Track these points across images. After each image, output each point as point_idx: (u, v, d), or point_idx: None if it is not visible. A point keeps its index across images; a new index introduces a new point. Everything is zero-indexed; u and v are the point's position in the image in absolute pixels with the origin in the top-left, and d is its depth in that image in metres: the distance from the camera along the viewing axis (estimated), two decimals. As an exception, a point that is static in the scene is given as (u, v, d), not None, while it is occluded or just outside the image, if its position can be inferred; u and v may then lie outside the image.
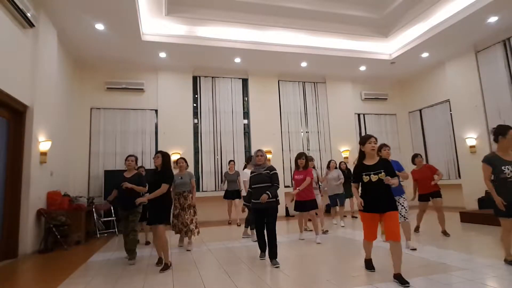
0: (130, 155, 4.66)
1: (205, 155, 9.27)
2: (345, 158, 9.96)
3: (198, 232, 5.18)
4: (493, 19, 7.27)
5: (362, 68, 10.00)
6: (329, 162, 7.34)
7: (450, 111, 9.49)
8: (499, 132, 3.52)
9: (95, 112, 8.64)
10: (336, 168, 7.31)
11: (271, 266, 3.86)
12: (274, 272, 3.62)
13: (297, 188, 5.26)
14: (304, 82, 10.47)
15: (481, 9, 6.86)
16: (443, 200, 5.52)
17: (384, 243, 4.62)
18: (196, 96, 9.51)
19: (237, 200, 7.89)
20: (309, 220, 5.66)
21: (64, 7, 6.02)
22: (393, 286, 2.93)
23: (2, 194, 5.02)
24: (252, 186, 4.18)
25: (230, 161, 8.18)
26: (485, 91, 8.43)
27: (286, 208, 9.12)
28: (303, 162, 5.36)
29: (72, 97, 8.00)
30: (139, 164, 7.62)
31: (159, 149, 8.34)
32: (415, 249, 4.28)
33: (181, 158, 5.39)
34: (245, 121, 9.85)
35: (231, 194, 7.86)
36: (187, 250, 5.04)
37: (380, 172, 3.15)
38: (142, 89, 8.95)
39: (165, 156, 4.17)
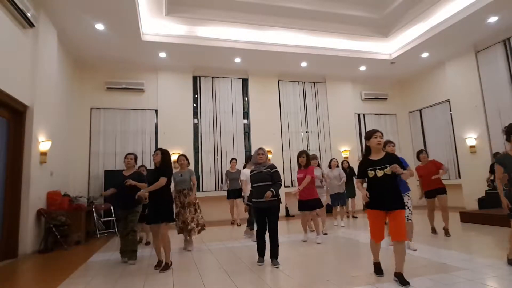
0: (129, 153, 4.60)
1: (205, 155, 9.27)
2: (345, 158, 9.96)
3: (199, 231, 5.04)
4: (493, 19, 7.27)
5: (362, 68, 10.00)
6: (331, 160, 7.29)
7: (450, 111, 9.49)
8: (511, 131, 3.46)
9: (95, 112, 8.64)
10: (337, 167, 7.26)
11: (271, 266, 3.86)
12: (274, 272, 3.62)
13: (297, 187, 5.20)
14: (304, 82, 10.47)
15: (481, 9, 6.86)
16: (452, 201, 5.46)
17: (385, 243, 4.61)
18: (196, 96, 9.51)
19: (238, 200, 7.83)
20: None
21: (64, 7, 6.02)
22: (393, 286, 2.93)
23: (2, 194, 5.02)
24: (253, 185, 4.11)
25: (232, 159, 8.15)
26: (485, 91, 8.43)
27: (286, 208, 9.12)
28: (303, 160, 5.29)
29: (72, 97, 8.00)
30: (139, 163, 7.62)
31: (159, 149, 8.32)
32: (415, 250, 4.28)
33: (181, 155, 5.24)
34: (245, 121, 9.85)
35: (233, 193, 7.82)
36: (188, 251, 4.99)
37: (386, 167, 3.04)
38: (142, 89, 8.95)
39: (165, 153, 4.11)
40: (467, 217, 6.55)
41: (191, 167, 8.48)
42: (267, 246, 4.01)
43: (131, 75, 8.95)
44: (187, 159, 5.23)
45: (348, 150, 10.28)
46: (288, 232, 6.52)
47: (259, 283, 3.26)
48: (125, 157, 4.55)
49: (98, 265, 4.40)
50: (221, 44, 8.17)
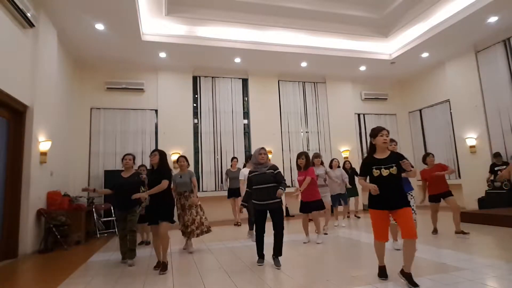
0: (127, 154, 4.54)
1: (205, 155, 9.27)
2: (345, 158, 9.96)
3: (199, 234, 4.90)
4: (493, 19, 7.27)
5: (362, 68, 10.00)
6: (332, 161, 7.18)
7: (450, 110, 9.49)
8: None
9: (95, 112, 8.64)
10: (338, 167, 7.19)
11: (272, 266, 3.83)
12: (274, 273, 3.62)
13: (298, 189, 5.09)
14: (304, 82, 10.47)
15: (481, 9, 6.86)
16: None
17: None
18: (196, 96, 9.52)
19: (238, 199, 7.75)
20: (310, 220, 5.53)
21: (64, 7, 6.02)
22: (393, 286, 2.93)
23: (2, 194, 5.02)
24: (254, 187, 3.96)
25: (233, 158, 8.09)
26: (485, 91, 8.43)
27: (286, 208, 9.12)
28: (303, 162, 5.17)
29: (72, 97, 8.00)
30: (139, 163, 7.62)
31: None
32: (399, 250, 4.28)
33: (181, 156, 5.15)
34: (245, 121, 9.85)
35: (234, 192, 7.78)
36: (189, 253, 4.87)
37: (392, 167, 2.96)
38: (142, 89, 8.95)
39: (163, 154, 4.07)
40: (467, 217, 6.54)
41: (191, 167, 8.50)
42: (268, 245, 3.97)
43: (131, 75, 8.95)
44: (187, 160, 5.14)
45: (348, 150, 10.28)
46: (288, 232, 6.49)
47: (260, 284, 3.26)
48: (123, 158, 4.50)
49: (98, 265, 4.40)
50: (221, 44, 8.17)
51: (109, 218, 7.33)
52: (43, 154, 5.83)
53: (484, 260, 3.69)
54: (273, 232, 3.92)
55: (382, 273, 3.17)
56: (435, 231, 5.44)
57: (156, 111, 9.07)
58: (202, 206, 5.09)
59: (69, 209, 6.15)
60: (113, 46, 7.67)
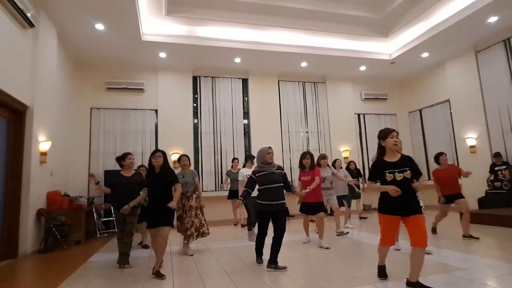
0: (129, 153, 4.44)
1: (205, 155, 9.27)
2: (345, 158, 9.96)
3: (197, 236, 4.78)
4: (493, 19, 7.27)
5: (362, 68, 10.01)
6: (334, 161, 7.08)
7: (450, 110, 9.49)
8: None
9: (95, 112, 8.64)
10: (341, 168, 7.10)
11: (277, 270, 3.69)
12: (274, 273, 3.62)
13: (308, 187, 4.83)
14: (304, 82, 10.47)
15: (481, 9, 6.85)
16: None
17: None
18: (196, 96, 9.52)
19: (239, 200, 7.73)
20: (311, 220, 5.44)
21: (64, 7, 6.02)
22: (393, 286, 2.93)
23: (2, 194, 5.02)
24: (263, 186, 3.82)
25: (234, 158, 8.04)
26: (485, 91, 8.43)
27: (286, 208, 9.11)
28: (308, 162, 5.02)
29: (72, 97, 8.00)
30: (139, 163, 7.62)
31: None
32: (398, 250, 4.27)
33: (184, 155, 5.03)
34: (245, 121, 9.85)
35: (235, 193, 7.71)
36: (190, 255, 4.72)
37: (405, 170, 2.81)
38: (142, 89, 8.95)
39: (165, 155, 3.98)
40: (467, 217, 6.54)
41: (191, 167, 8.51)
42: (266, 245, 3.93)
43: (131, 75, 8.95)
44: (189, 159, 5.06)
45: (348, 150, 10.28)
46: (288, 232, 6.49)
47: (260, 284, 3.26)
48: (127, 157, 4.37)
49: (98, 265, 4.40)
50: (221, 44, 8.17)
51: (109, 218, 7.33)
52: (43, 154, 5.83)
53: (484, 260, 3.69)
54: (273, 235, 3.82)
55: (382, 273, 3.15)
56: (434, 231, 5.40)
57: (156, 111, 9.07)
58: (197, 210, 4.91)
59: (69, 209, 6.15)
60: (113, 46, 7.67)
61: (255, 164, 5.97)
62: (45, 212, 5.62)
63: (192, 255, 4.72)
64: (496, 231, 5.39)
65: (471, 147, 8.63)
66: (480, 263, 3.56)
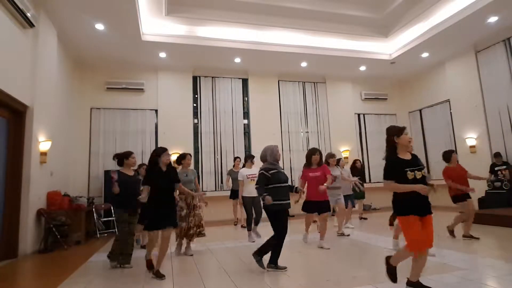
0: (132, 152, 4.40)
1: (205, 155, 9.27)
2: (345, 158, 9.96)
3: (197, 235, 4.77)
4: (493, 19, 7.27)
5: (362, 68, 10.00)
6: (338, 160, 6.96)
7: (450, 110, 9.49)
8: None
9: (95, 112, 8.64)
10: (343, 167, 6.99)
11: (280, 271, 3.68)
12: (274, 273, 3.62)
13: (324, 184, 4.75)
14: (304, 82, 10.47)
15: (481, 9, 6.85)
16: (448, 201, 5.24)
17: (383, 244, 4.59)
18: (196, 96, 9.52)
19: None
20: (314, 221, 5.39)
21: (64, 7, 6.02)
22: (393, 286, 2.93)
23: (2, 194, 5.02)
24: (277, 185, 3.75)
25: (236, 157, 8.00)
26: (485, 91, 8.42)
27: (286, 208, 9.10)
28: (317, 158, 4.92)
29: (72, 97, 8.00)
30: (139, 163, 7.60)
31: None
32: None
33: (189, 154, 5.15)
34: (245, 121, 9.85)
35: (237, 193, 7.66)
36: (190, 255, 4.71)
37: (422, 168, 2.75)
38: (142, 89, 8.95)
39: None
40: (467, 217, 6.53)
41: (191, 167, 8.50)
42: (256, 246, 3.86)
43: (131, 75, 8.95)
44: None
45: (348, 150, 10.28)
46: (288, 232, 6.49)
47: (260, 284, 3.26)
48: (130, 156, 4.30)
49: (98, 265, 4.40)
50: (221, 44, 8.17)
51: (109, 218, 7.32)
52: (43, 154, 5.83)
53: (484, 260, 3.69)
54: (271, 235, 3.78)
55: (394, 274, 2.94)
56: (468, 236, 5.04)
57: (156, 111, 9.07)
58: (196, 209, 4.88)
59: (69, 209, 6.15)
60: (113, 46, 7.67)
61: (254, 164, 5.99)
62: (45, 212, 5.62)
63: (192, 255, 4.72)
64: (496, 231, 5.40)
65: (471, 147, 8.63)
66: (480, 263, 3.56)
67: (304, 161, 5.20)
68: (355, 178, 6.74)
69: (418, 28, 8.37)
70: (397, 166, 2.74)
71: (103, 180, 8.04)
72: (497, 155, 7.72)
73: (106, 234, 7.11)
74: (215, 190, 9.12)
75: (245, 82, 9.94)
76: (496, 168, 7.56)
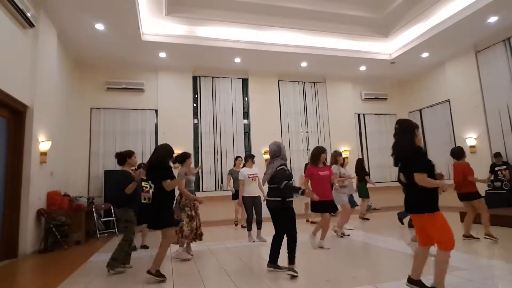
0: (133, 151, 4.36)
1: (205, 155, 9.26)
2: (345, 158, 9.94)
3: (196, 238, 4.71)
4: (493, 19, 7.27)
5: (362, 68, 10.01)
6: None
7: (450, 110, 9.49)
8: None
9: (95, 112, 8.64)
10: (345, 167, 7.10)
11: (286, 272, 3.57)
12: (274, 273, 3.61)
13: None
14: (304, 82, 10.47)
15: (481, 9, 6.85)
16: (448, 201, 5.15)
17: (384, 244, 4.58)
18: (196, 96, 9.52)
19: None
20: (312, 222, 5.38)
21: (64, 7, 6.02)
22: (393, 286, 2.93)
23: (2, 194, 5.02)
24: (289, 183, 3.74)
25: (237, 157, 7.90)
26: (485, 91, 8.42)
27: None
28: (325, 157, 4.90)
29: (72, 97, 8.00)
30: (139, 162, 7.60)
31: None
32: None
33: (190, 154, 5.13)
34: (245, 121, 9.85)
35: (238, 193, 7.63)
36: (190, 255, 4.65)
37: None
38: (142, 89, 8.95)
39: None
40: (467, 217, 6.53)
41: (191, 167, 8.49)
42: (266, 249, 3.91)
43: (131, 75, 8.95)
44: None
45: (348, 150, 10.27)
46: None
47: (260, 284, 3.26)
48: (133, 155, 4.27)
49: (98, 265, 4.39)
50: (221, 44, 8.17)
51: (109, 218, 7.32)
52: (43, 154, 5.83)
53: (484, 260, 3.69)
54: (274, 235, 3.77)
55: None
56: (469, 235, 5.01)
57: (156, 111, 9.07)
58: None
59: (69, 209, 6.15)
60: (113, 46, 7.67)
61: (255, 163, 5.98)
62: (45, 212, 5.62)
63: (192, 255, 4.70)
64: (496, 231, 5.38)
65: (471, 147, 8.63)
66: (480, 263, 3.56)
67: (304, 160, 5.19)
68: (354, 177, 6.72)
69: (418, 28, 8.37)
70: (428, 160, 2.64)
71: (103, 180, 8.04)
72: (497, 155, 7.72)
73: (106, 234, 7.11)
74: (215, 190, 9.12)
75: (245, 82, 9.94)
76: (496, 168, 7.56)
